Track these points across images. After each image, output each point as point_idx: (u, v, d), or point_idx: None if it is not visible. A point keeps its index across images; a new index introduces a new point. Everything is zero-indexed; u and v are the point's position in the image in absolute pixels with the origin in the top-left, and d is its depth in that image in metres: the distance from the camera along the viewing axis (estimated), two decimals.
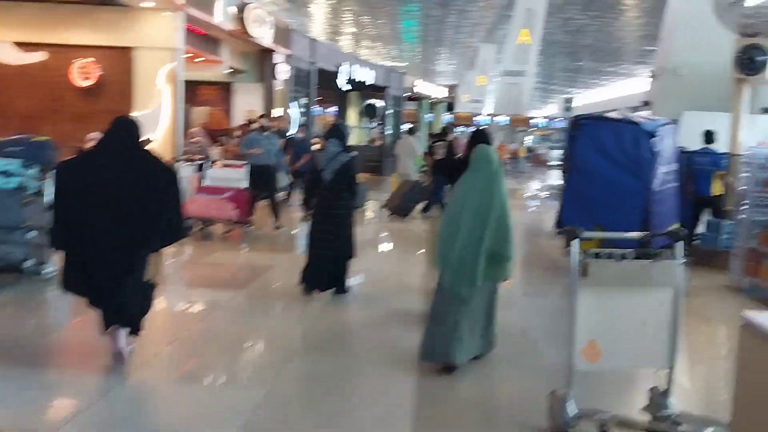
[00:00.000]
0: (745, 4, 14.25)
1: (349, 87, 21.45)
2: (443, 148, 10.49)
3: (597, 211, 8.32)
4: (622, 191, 8.32)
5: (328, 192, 6.40)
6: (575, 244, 3.81)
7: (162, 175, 4.57)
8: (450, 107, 37.43)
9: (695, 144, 11.07)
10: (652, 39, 37.56)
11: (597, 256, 3.83)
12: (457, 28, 39.32)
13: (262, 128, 11.86)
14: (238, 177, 10.43)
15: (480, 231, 4.61)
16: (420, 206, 13.38)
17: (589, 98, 52.63)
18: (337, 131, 6.67)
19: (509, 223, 4.74)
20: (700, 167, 10.17)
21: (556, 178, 31.27)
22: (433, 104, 35.28)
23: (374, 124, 26.33)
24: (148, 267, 4.58)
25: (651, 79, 18.70)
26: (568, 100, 34.54)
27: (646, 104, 18.26)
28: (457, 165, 5.37)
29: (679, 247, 3.88)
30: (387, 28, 40.97)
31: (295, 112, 18.70)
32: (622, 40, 39.78)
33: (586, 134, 8.70)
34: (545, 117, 38.02)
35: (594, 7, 31.11)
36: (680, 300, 3.84)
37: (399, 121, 26.75)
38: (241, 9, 14.75)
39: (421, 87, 31.08)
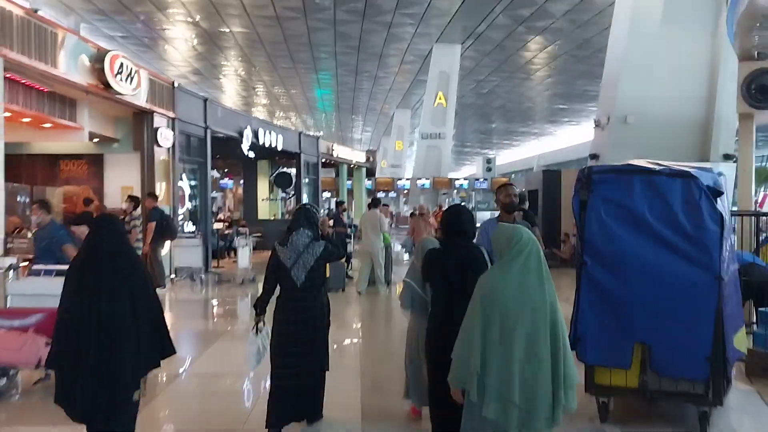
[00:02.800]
0: None
1: (253, 154, 17.48)
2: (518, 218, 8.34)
3: (636, 320, 4.86)
4: (677, 286, 4.74)
5: (299, 295, 4.63)
6: None
7: None
8: (370, 173, 34.01)
9: None
10: (564, 97, 36.56)
11: None
12: (371, 95, 37.06)
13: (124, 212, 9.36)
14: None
15: (545, 348, 3.22)
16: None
17: (510, 156, 50.90)
18: (306, 216, 4.79)
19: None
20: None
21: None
22: (352, 170, 31.72)
23: (288, 195, 22.35)
24: None
25: (595, 129, 15.76)
26: (489, 160, 31.81)
27: (594, 157, 15.10)
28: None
29: None
30: (300, 97, 38.30)
31: (185, 185, 14.59)
32: (532, 99, 38.33)
33: (606, 197, 5.05)
34: (465, 178, 35.06)
35: (504, 68, 29.41)
36: None
37: (316, 190, 22.85)
38: (100, 59, 10.74)
39: (339, 152, 27.45)
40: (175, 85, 13.95)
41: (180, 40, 23.89)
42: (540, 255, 3.34)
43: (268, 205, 23.25)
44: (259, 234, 20.27)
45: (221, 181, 35.56)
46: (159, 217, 11.46)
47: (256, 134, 17.41)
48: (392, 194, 36.26)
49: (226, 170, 28.04)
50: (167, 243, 12.16)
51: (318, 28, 21.87)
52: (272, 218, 23.04)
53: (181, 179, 14.47)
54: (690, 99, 14.25)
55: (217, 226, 16.93)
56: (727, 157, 14.06)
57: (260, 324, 4.69)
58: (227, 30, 22.18)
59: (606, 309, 4.92)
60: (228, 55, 26.52)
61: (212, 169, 26.53)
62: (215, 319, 10.48)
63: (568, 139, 42.18)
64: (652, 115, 14.14)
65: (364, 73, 30.12)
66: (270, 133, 18.27)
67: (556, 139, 44.91)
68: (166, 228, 11.56)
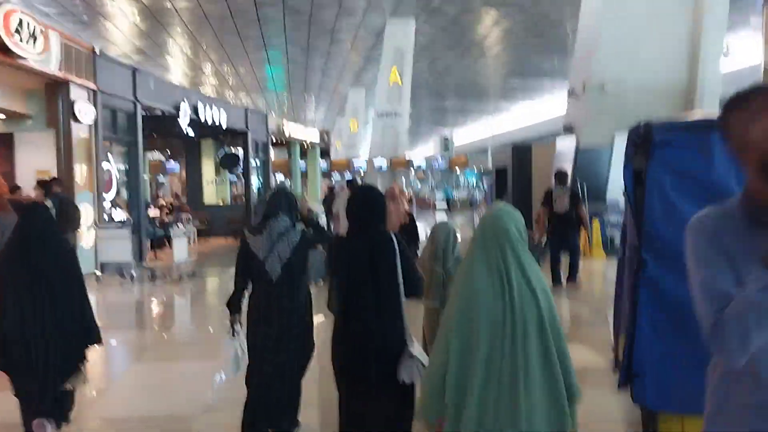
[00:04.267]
0: None
1: (193, 132, 15.32)
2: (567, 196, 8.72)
3: None
4: None
5: (275, 292, 3.84)
6: None
7: None
8: (325, 153, 31.97)
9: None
10: (519, 74, 35.30)
11: None
12: (324, 73, 35.08)
13: None
14: None
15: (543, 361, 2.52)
16: None
17: (469, 135, 49.39)
18: (286, 200, 3.98)
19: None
20: None
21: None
22: (306, 150, 29.61)
23: (238, 176, 20.23)
24: None
25: (568, 99, 14.22)
26: (447, 139, 30.19)
27: (568, 129, 13.56)
28: None
29: None
30: (250, 76, 36.04)
31: (112, 167, 12.46)
32: (488, 77, 36.95)
33: (674, 166, 3.33)
34: (425, 158, 33.36)
35: (459, 44, 27.99)
36: None
37: (267, 171, 20.76)
38: None
39: (290, 130, 25.22)
40: (97, 51, 11.76)
41: (120, 17, 21.79)
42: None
43: (214, 189, 21.07)
44: (203, 221, 18.28)
45: (167, 165, 33.07)
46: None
47: (195, 110, 15.27)
48: (349, 177, 34.42)
49: (168, 152, 25.63)
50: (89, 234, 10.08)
51: (266, 2, 20.27)
52: (220, 203, 20.90)
53: (108, 160, 12.34)
54: (671, 63, 12.86)
55: (154, 213, 14.75)
56: None
57: (236, 326, 3.99)
58: (170, 6, 19.97)
59: (677, 332, 3.24)
60: (172, 32, 24.61)
61: (152, 150, 24.41)
62: (135, 330, 8.23)
63: (529, 117, 40.87)
64: (631, 81, 12.71)
65: (315, 50, 28.49)
66: (212, 108, 16.10)
67: (512, 116, 43.60)
68: (59, 218, 9.40)
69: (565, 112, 14.28)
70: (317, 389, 4.74)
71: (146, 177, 18.70)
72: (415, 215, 10.27)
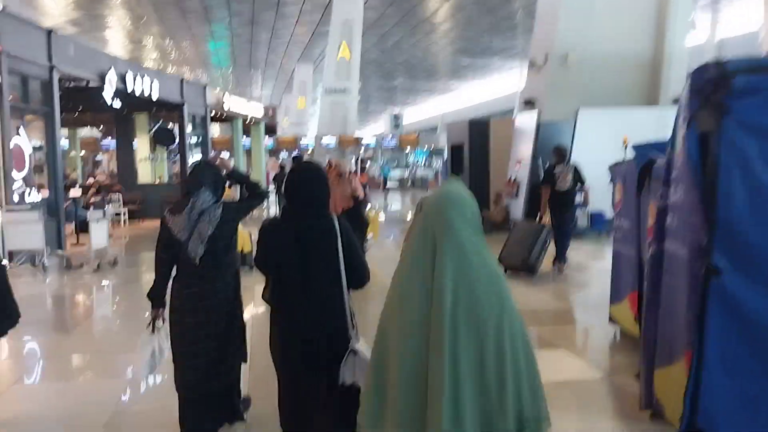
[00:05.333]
0: None
1: (120, 103, 13.58)
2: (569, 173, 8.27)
3: None
4: None
5: (199, 274, 3.46)
6: None
7: None
8: (270, 129, 30.23)
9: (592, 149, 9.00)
10: (469, 52, 34.42)
11: None
12: (270, 48, 33.38)
13: None
14: None
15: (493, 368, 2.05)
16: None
17: (419, 114, 48.30)
18: (210, 173, 3.59)
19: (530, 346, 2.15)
20: None
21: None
22: (249, 127, 27.84)
23: (174, 156, 18.55)
24: None
25: (529, 71, 13.17)
26: (397, 116, 28.99)
27: (528, 103, 12.55)
28: None
29: None
30: (193, 51, 34.04)
31: (23, 141, 10.77)
32: (437, 55, 35.95)
33: (760, 125, 2.15)
34: (374, 136, 32.06)
35: (408, 21, 26.91)
36: None
37: (206, 148, 19.10)
38: None
39: (231, 104, 23.39)
40: (0, 7, 10.02)
41: None
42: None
43: (150, 167, 19.31)
44: (136, 201, 16.65)
45: (103, 142, 30.87)
46: None
47: (123, 79, 13.58)
48: (295, 153, 32.95)
49: (102, 128, 23.67)
50: None
51: None
52: (156, 182, 19.17)
53: (18, 134, 10.65)
54: (637, 34, 11.99)
55: (76, 193, 13.03)
56: (677, 101, 11.90)
57: (158, 321, 3.56)
58: None
59: (765, 368, 2.15)
60: (110, 3, 22.38)
61: (85, 125, 22.40)
62: (35, 327, 6.86)
63: (480, 95, 40.05)
64: (594, 53, 11.80)
65: (261, 23, 26.93)
66: (142, 78, 14.40)
67: (461, 95, 42.74)
68: None
69: (525, 86, 13.27)
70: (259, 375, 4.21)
71: (99, 157, 16.90)
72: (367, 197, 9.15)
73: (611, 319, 5.49)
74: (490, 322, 2.03)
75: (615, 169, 5.75)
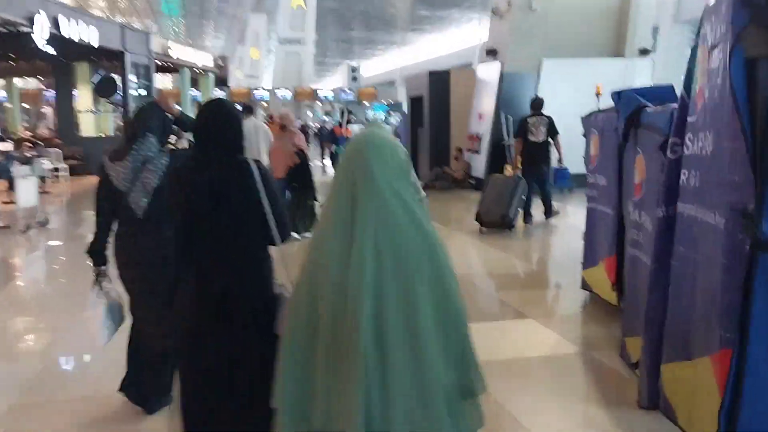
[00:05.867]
0: None
1: (53, 50, 12.41)
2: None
3: None
4: None
5: (143, 228, 3.14)
6: None
7: None
8: (221, 81, 28.83)
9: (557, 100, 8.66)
10: (428, 3, 33.36)
11: None
12: None
13: None
14: None
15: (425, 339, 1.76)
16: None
17: (377, 68, 46.96)
18: (156, 117, 3.28)
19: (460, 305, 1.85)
20: None
21: None
22: (198, 78, 26.41)
23: (116, 107, 17.34)
24: None
25: (491, 19, 12.49)
26: (355, 69, 28.02)
27: (491, 53, 11.91)
28: None
29: None
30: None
31: None
32: (395, 5, 34.82)
33: None
34: (332, 90, 30.95)
35: None
36: None
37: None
38: None
39: (178, 52, 21.95)
40: None
41: None
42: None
43: (93, 120, 18.06)
44: (77, 156, 15.57)
45: (47, 93, 29.04)
46: None
47: (56, 23, 12.37)
48: (242, 105, 31.67)
49: (42, 78, 22.10)
50: None
51: None
52: (100, 135, 17.96)
53: None
54: None
55: (6, 147, 11.93)
56: (643, 53, 11.45)
57: (103, 279, 3.18)
58: None
59: None
60: None
61: (24, 75, 20.67)
62: None
63: (438, 49, 39.04)
64: (557, 2, 11.13)
65: None
66: (78, 23, 13.18)
67: (420, 50, 41.67)
68: None
69: (488, 33, 12.59)
70: None
71: (44, 109, 15.57)
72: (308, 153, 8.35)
73: (584, 286, 5.02)
74: (417, 276, 1.79)
75: (589, 121, 5.20)
